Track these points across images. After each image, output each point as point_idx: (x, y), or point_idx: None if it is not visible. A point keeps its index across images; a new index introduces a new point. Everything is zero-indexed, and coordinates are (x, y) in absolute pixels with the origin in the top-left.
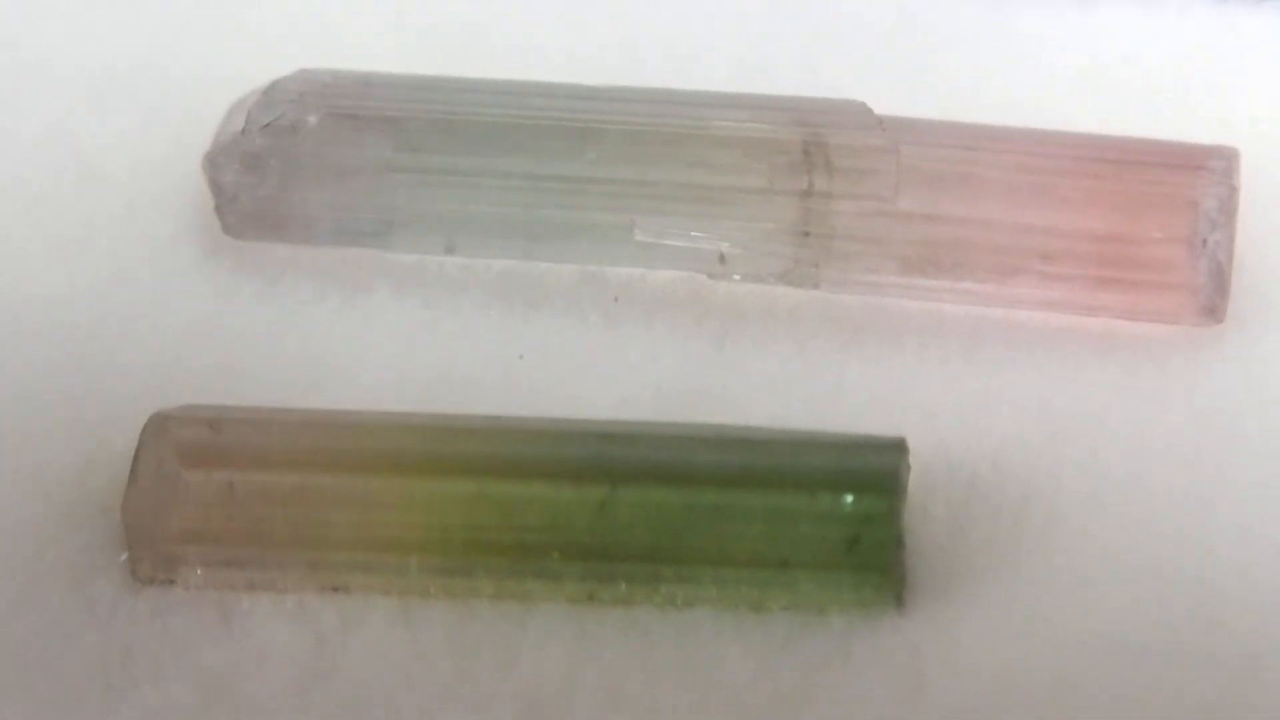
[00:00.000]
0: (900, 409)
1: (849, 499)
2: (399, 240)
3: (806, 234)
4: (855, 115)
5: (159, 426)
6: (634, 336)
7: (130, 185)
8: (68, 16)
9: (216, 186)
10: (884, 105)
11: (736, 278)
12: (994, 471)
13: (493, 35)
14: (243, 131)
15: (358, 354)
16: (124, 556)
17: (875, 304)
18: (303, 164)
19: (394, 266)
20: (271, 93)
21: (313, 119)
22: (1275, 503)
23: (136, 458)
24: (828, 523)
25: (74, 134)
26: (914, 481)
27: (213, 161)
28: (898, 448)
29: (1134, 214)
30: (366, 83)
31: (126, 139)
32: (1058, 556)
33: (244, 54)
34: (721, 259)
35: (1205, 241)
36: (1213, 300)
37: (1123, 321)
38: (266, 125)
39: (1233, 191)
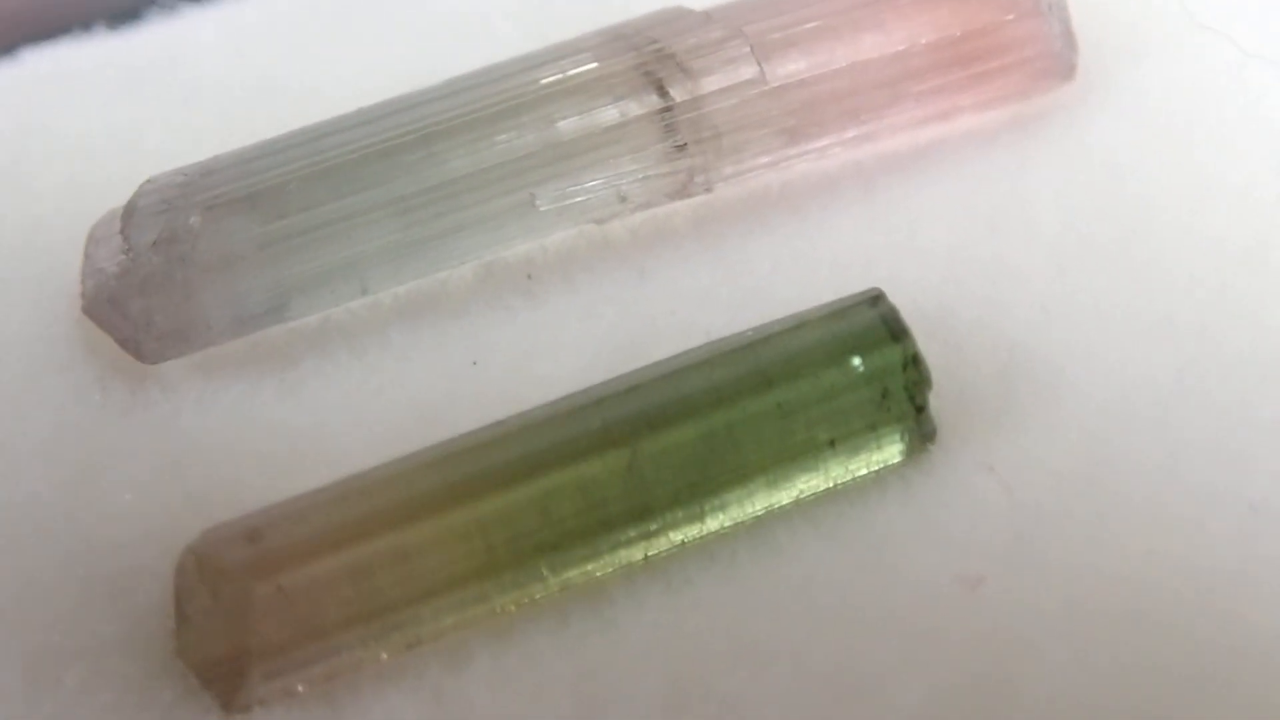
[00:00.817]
0: (834, 271)
1: (856, 362)
2: (299, 307)
3: (683, 145)
4: (681, 19)
5: (196, 559)
6: (561, 304)
7: (18, 360)
8: None
9: (123, 319)
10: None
11: (630, 213)
12: (961, 291)
13: (291, 84)
14: (131, 258)
15: (317, 425)
16: (207, 699)
17: (770, 183)
18: (200, 266)
19: (304, 332)
20: (136, 211)
21: (194, 219)
22: (1190, 213)
23: (179, 599)
24: (853, 390)
25: None
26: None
27: (112, 299)
28: (878, 298)
29: (978, 7)
30: (213, 170)
31: None
32: (1056, 346)
33: (49, 200)
34: (621, 199)
35: (1050, 6)
36: (1069, 59)
37: (987, 115)
38: (154, 243)
39: None
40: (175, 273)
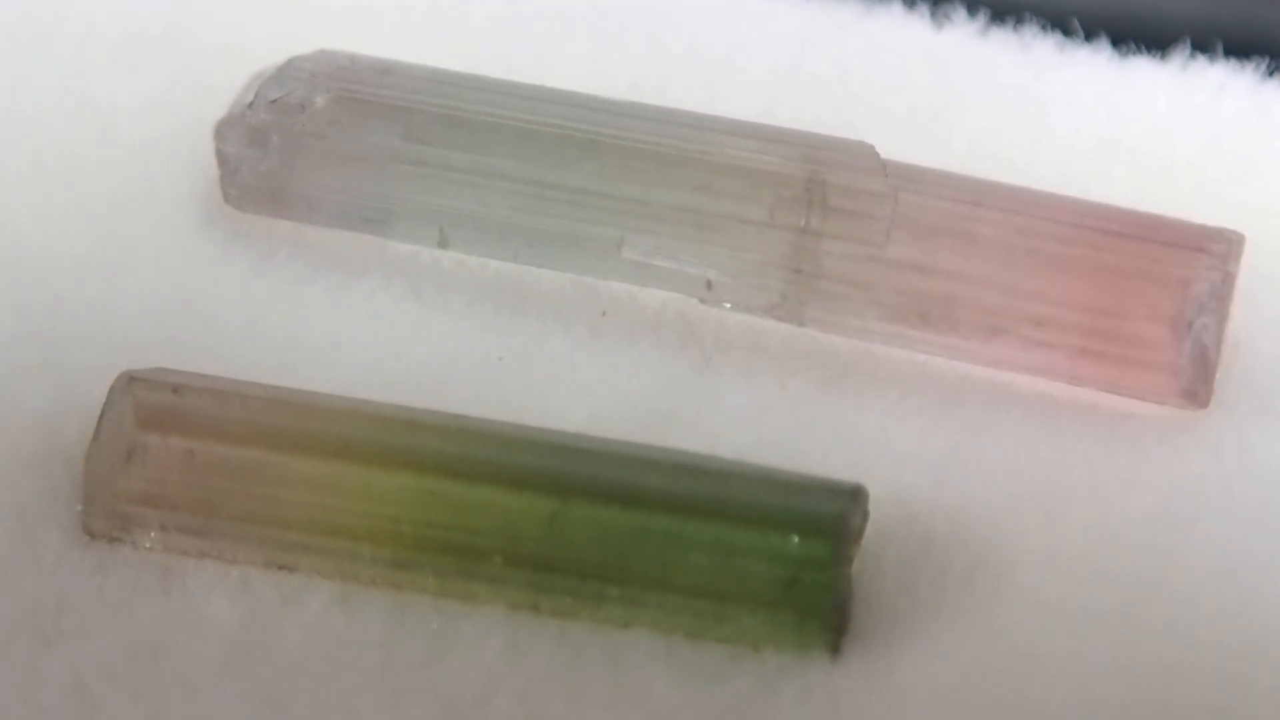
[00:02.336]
0: (871, 456)
1: (795, 539)
2: (396, 229)
3: (799, 270)
4: (860, 157)
5: (125, 385)
6: (617, 352)
7: (142, 148)
8: None
9: (221, 156)
10: (895, 151)
11: (727, 305)
12: (952, 529)
13: (520, 36)
14: (250, 105)
15: (341, 337)
16: (78, 509)
17: (859, 348)
18: (305, 143)
19: (389, 255)
20: (285, 69)
21: (320, 100)
22: (1224, 595)
23: (102, 415)
24: (769, 561)
25: (92, 94)
26: (872, 530)
27: (220, 132)
28: (851, 494)
29: (1123, 288)
30: (383, 70)
31: (145, 103)
32: (1001, 619)
33: (272, 27)
34: (709, 286)
35: (1191, 324)
36: (1194, 384)
37: (1104, 395)
38: (274, 101)
39: (1228, 277)
40: (275, 136)
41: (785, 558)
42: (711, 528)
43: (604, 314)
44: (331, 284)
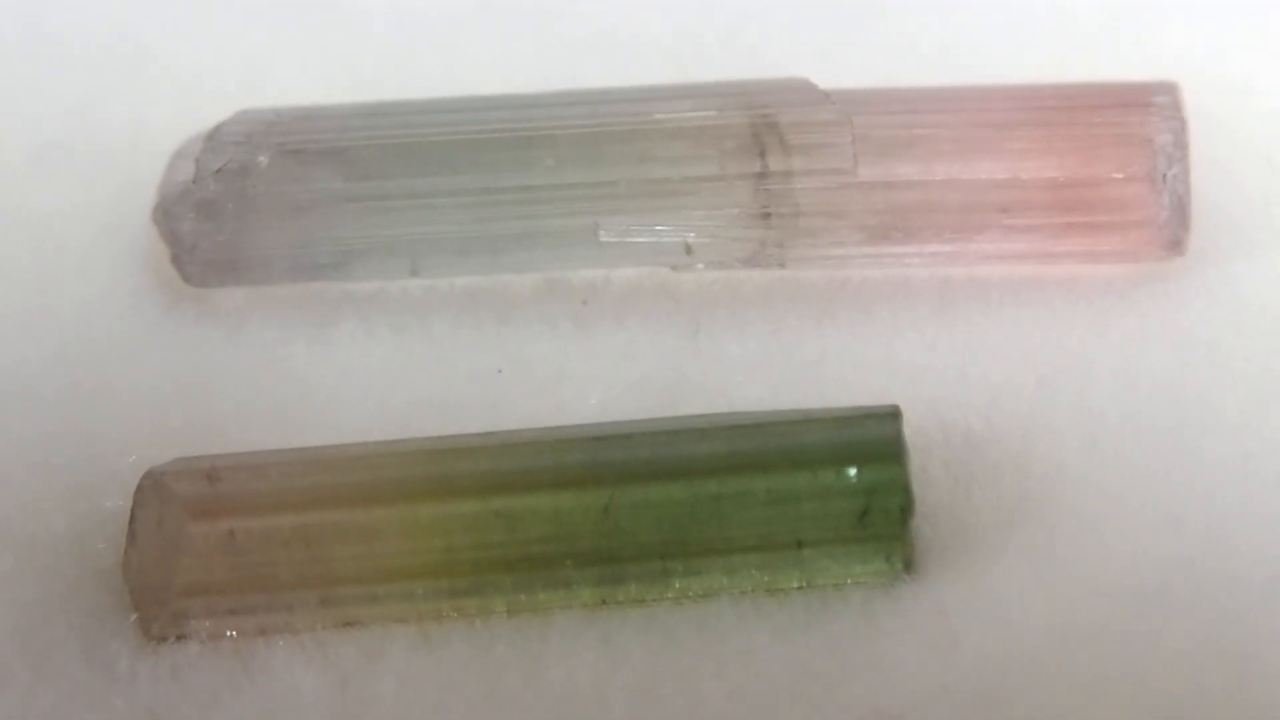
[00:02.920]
0: (883, 377)
1: (852, 472)
2: (358, 269)
3: (768, 215)
4: (801, 92)
5: (154, 483)
6: (607, 337)
7: (81, 247)
8: None
9: (173, 237)
10: (824, 79)
11: (700, 267)
12: (987, 427)
13: (418, 55)
14: (194, 180)
15: (334, 388)
16: (133, 618)
17: (843, 276)
18: (257, 205)
19: (356, 296)
20: (217, 137)
21: (263, 159)
22: (1261, 422)
23: (133, 517)
24: (836, 498)
25: (15, 204)
26: (911, 445)
27: (166, 212)
28: (893, 415)
29: (1091, 157)
30: (308, 116)
31: (69, 205)
32: (1061, 503)
33: (166, 111)
34: (688, 250)
35: (1165, 176)
36: (1177, 234)
37: (1086, 268)
38: (218, 170)
39: (1183, 124)
40: (229, 205)
41: (852, 491)
42: (766, 480)
43: (584, 303)
44: (311, 337)
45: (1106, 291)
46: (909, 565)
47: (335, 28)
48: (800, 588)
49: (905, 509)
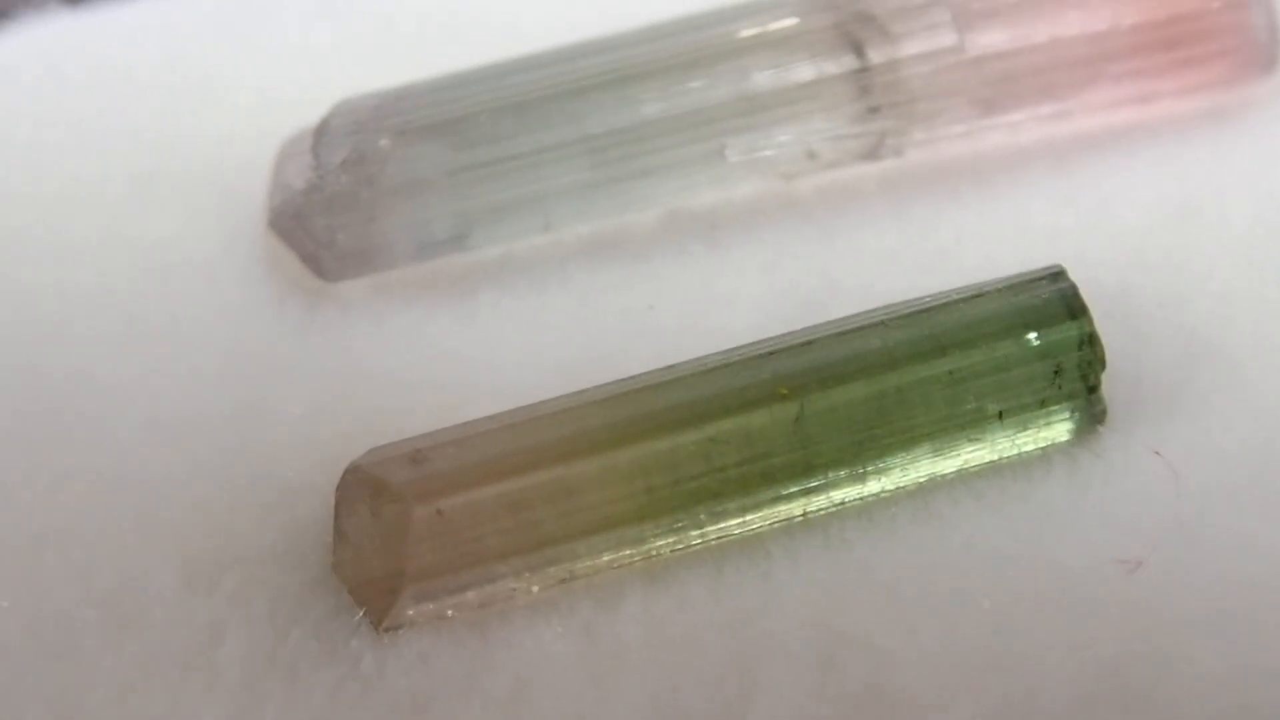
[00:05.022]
0: (1023, 247)
1: (1033, 336)
2: (491, 234)
3: (877, 108)
4: None
5: (359, 476)
6: (744, 256)
7: (203, 268)
8: (70, 125)
9: (309, 235)
10: None
11: (820, 170)
12: (1141, 274)
13: (467, 24)
14: (319, 175)
15: (488, 356)
16: (359, 615)
17: (954, 154)
18: (387, 188)
19: (486, 264)
20: (327, 131)
21: (384, 142)
22: None
23: (339, 514)
24: (1026, 364)
25: (124, 236)
26: None
27: (296, 214)
28: (1059, 273)
29: None
30: (410, 95)
31: (178, 226)
32: (1236, 331)
33: (244, 115)
34: (811, 156)
35: None
36: (1275, 52)
37: (1187, 100)
38: (344, 161)
39: None
40: (361, 193)
41: (1039, 354)
42: (949, 361)
43: (714, 227)
44: (455, 312)
45: (1215, 121)
46: (1103, 417)
47: (386, 16)
48: (1003, 460)
49: (1096, 361)
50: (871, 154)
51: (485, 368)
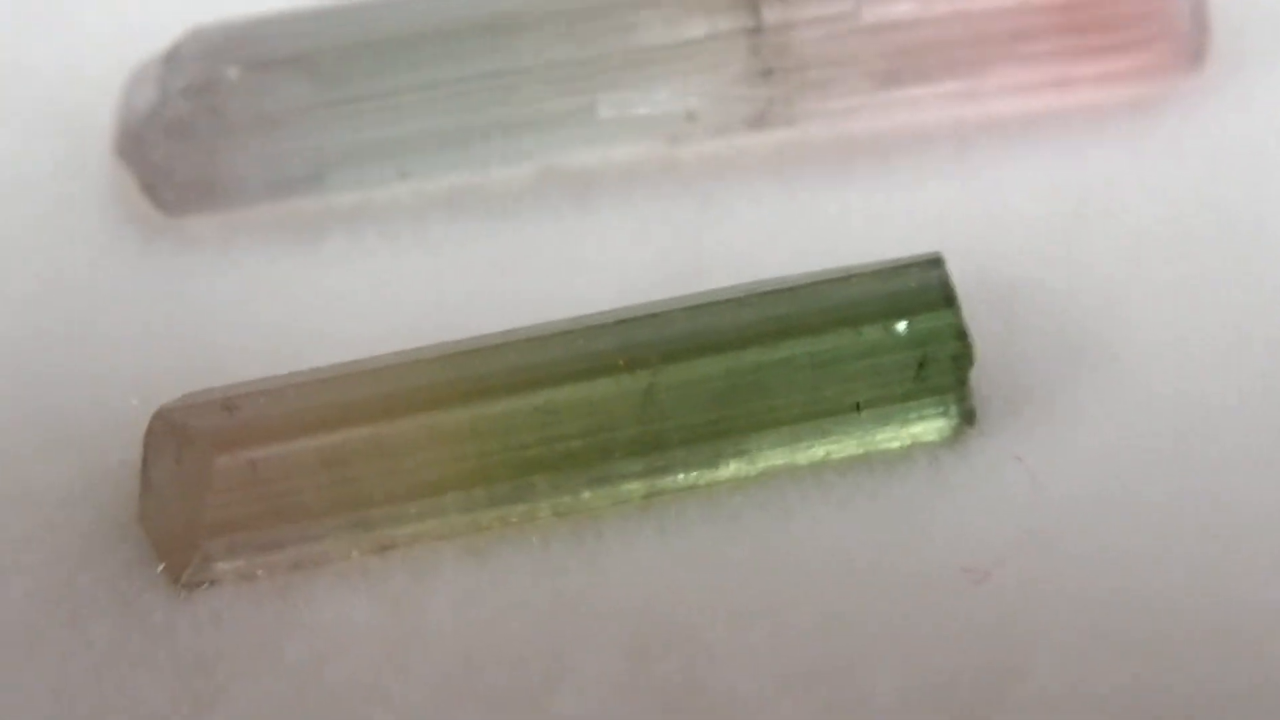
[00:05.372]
0: (911, 230)
1: (902, 326)
2: (342, 178)
3: (769, 71)
4: None
5: (167, 423)
6: (614, 220)
7: (41, 192)
8: None
9: (145, 164)
10: None
11: (703, 135)
12: (1030, 267)
13: None
14: (161, 101)
15: (331, 305)
16: (160, 568)
17: (853, 129)
18: (230, 121)
19: (339, 209)
20: (176, 57)
21: (232, 72)
22: None
23: (145, 462)
24: (889, 353)
25: None
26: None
27: (136, 139)
28: (935, 261)
29: None
30: (267, 25)
31: (18, 148)
32: (1119, 334)
33: (100, 38)
34: (690, 117)
35: None
36: (1199, 42)
37: (1106, 89)
38: (185, 88)
39: None
40: (201, 122)
41: (905, 344)
42: (812, 343)
43: (587, 187)
44: (299, 257)
45: (1132, 113)
46: (972, 417)
47: None
48: (862, 454)
49: (964, 356)
50: (758, 121)
51: (328, 317)
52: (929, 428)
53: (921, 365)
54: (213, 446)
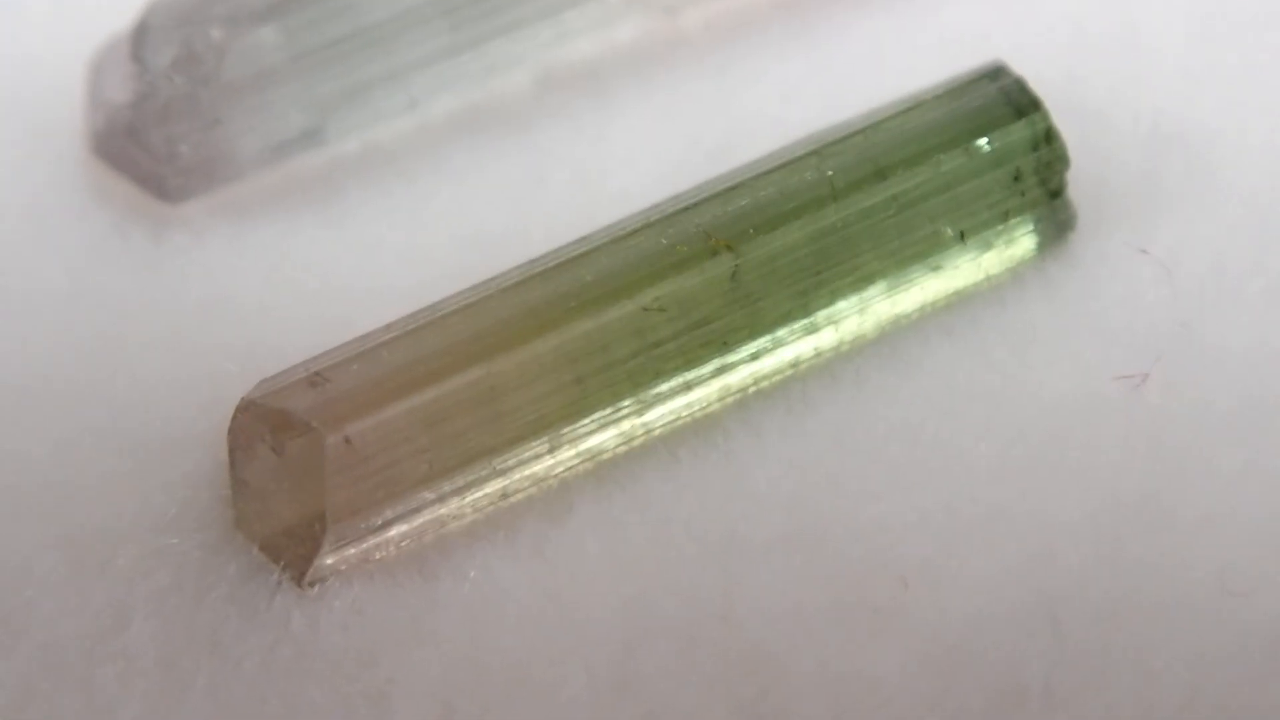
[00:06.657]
0: (952, 48)
1: (984, 142)
2: (337, 128)
3: None
4: None
5: (255, 413)
6: (635, 108)
7: (23, 212)
8: None
9: (143, 152)
10: None
11: None
12: (1092, 59)
13: None
14: (147, 83)
15: (370, 261)
16: (278, 571)
17: None
18: (225, 86)
19: (342, 160)
20: (148, 30)
21: (216, 33)
22: None
23: (234, 461)
24: (982, 173)
25: None
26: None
27: (129, 130)
28: (999, 71)
29: None
30: None
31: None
32: (1205, 116)
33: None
34: None
35: None
36: None
37: None
38: (173, 63)
39: None
40: (200, 95)
41: (994, 159)
42: (897, 182)
43: (594, 78)
44: (320, 218)
45: None
46: (1073, 223)
47: None
48: (971, 285)
49: (1058, 160)
50: None
51: (363, 275)
52: (1031, 242)
53: (1016, 179)
54: (320, 425)
